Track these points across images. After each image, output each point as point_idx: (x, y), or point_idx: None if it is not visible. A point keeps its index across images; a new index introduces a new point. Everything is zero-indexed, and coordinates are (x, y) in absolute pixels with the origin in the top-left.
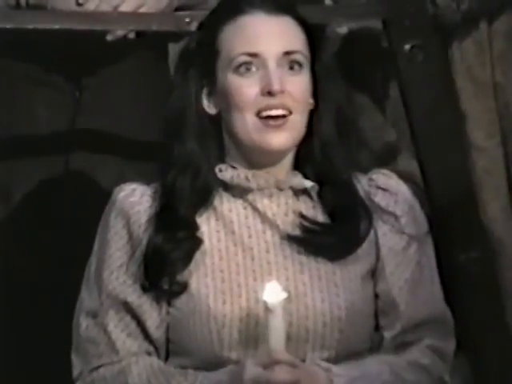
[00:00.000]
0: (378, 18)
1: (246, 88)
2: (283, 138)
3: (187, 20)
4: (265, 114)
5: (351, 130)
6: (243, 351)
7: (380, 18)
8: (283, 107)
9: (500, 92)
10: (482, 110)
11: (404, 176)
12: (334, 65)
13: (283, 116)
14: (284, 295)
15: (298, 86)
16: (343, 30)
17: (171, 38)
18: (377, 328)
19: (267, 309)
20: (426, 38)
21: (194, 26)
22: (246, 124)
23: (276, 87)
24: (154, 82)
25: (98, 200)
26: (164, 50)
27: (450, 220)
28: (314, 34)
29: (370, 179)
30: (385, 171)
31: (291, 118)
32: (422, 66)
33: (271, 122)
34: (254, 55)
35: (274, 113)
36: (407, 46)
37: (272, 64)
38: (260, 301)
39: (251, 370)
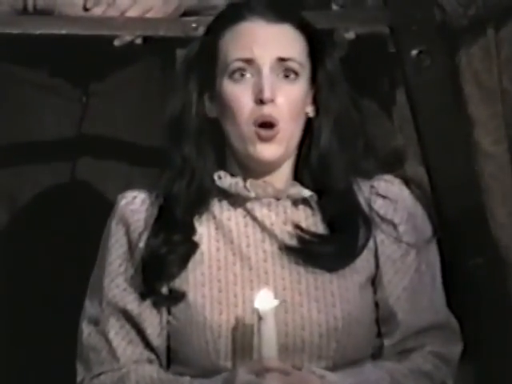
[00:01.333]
0: (385, 24)
1: (240, 95)
2: (274, 150)
3: (194, 25)
4: (258, 121)
5: (354, 139)
6: (240, 361)
7: (387, 23)
8: (271, 117)
9: (507, 98)
10: (488, 115)
11: (411, 182)
12: (339, 74)
13: (274, 125)
14: (275, 303)
15: (290, 95)
16: (350, 35)
17: (178, 44)
18: (379, 334)
19: (259, 316)
20: (433, 43)
21: (200, 32)
22: (240, 133)
23: (267, 95)
24: (162, 87)
25: (105, 206)
26: (171, 55)
27: (458, 226)
28: (320, 43)
29: (372, 186)
30: (387, 177)
31: (282, 127)
32: (428, 71)
33: (263, 133)
34: (248, 61)
35: (265, 120)
36: (414, 52)
37: (266, 71)
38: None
39: (243, 377)
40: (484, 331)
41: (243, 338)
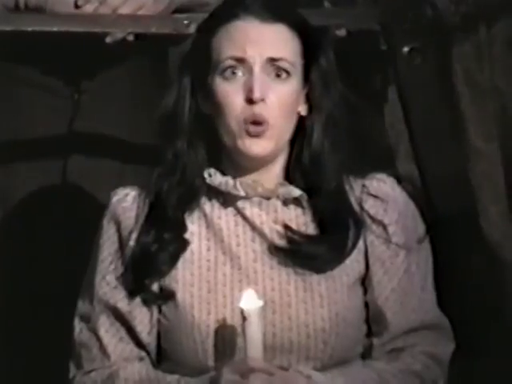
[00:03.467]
0: (376, 21)
1: (231, 93)
2: (263, 146)
3: (186, 22)
4: (248, 120)
5: (346, 138)
6: (228, 361)
7: (379, 20)
8: (261, 116)
9: (498, 96)
10: (480, 113)
11: (403, 179)
12: (334, 73)
13: (263, 123)
14: (260, 303)
15: (281, 94)
16: (342, 32)
17: (170, 41)
18: (370, 334)
19: (243, 317)
20: (425, 40)
21: (192, 29)
22: (230, 129)
23: (256, 95)
24: (153, 84)
25: (96, 204)
26: (163, 52)
27: (450, 224)
28: (315, 42)
29: (363, 185)
30: (379, 176)
31: (272, 125)
32: (420, 68)
33: (251, 129)
34: (239, 60)
35: (255, 119)
36: (406, 49)
37: (257, 70)
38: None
39: (227, 377)
40: (477, 329)
41: (231, 339)
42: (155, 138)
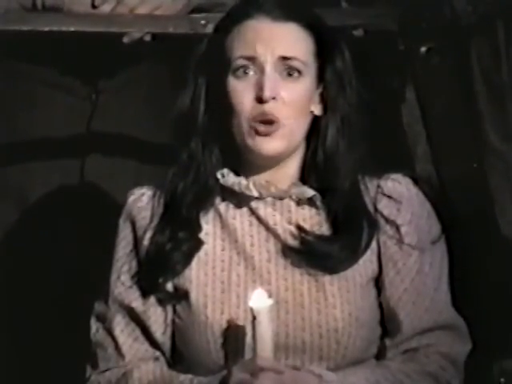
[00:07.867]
0: (394, 21)
1: (242, 92)
2: (273, 145)
3: (203, 22)
4: (257, 118)
5: (361, 138)
6: (239, 361)
7: (396, 20)
8: (272, 115)
9: None
10: (497, 112)
11: (420, 180)
12: (350, 72)
13: (274, 122)
14: (270, 302)
15: (293, 93)
16: (359, 32)
17: (187, 41)
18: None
19: (253, 315)
20: (442, 40)
21: (209, 28)
22: (241, 128)
23: (267, 94)
24: (170, 84)
25: (114, 203)
26: (180, 52)
27: (467, 224)
28: (329, 42)
29: (378, 185)
30: (395, 176)
31: (283, 124)
32: (438, 68)
33: (262, 129)
34: (251, 59)
35: (265, 118)
36: (423, 49)
37: (268, 69)
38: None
39: (236, 375)
40: (494, 330)
41: (243, 339)
42: (172, 138)
